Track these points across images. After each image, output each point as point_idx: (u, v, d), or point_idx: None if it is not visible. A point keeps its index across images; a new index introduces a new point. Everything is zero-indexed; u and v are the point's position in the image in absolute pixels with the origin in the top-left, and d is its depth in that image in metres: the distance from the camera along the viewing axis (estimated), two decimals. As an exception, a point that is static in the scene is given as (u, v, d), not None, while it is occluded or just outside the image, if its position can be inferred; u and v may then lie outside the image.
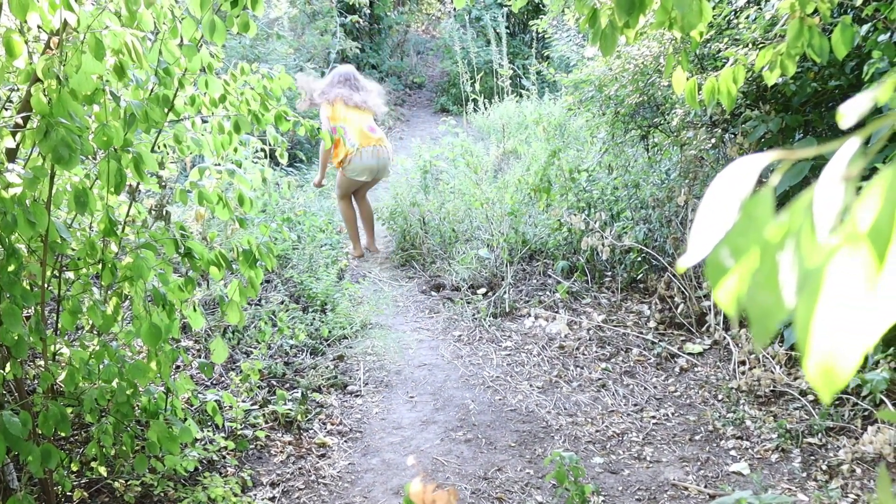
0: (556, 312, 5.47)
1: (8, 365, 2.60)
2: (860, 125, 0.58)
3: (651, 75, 5.39)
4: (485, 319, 5.43)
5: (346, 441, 3.99)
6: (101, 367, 2.82)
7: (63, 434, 2.74)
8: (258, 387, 4.32)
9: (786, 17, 2.59)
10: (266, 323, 4.60)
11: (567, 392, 4.44)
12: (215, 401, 3.53)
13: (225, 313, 3.13)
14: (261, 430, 3.93)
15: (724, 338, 4.81)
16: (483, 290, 5.95)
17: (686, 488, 3.52)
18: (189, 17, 2.76)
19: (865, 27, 3.74)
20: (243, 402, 4.10)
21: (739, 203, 0.55)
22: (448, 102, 14.48)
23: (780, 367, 4.33)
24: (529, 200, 6.62)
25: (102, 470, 3.23)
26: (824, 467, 3.59)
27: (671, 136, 5.58)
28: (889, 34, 3.63)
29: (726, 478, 3.60)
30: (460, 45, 13.69)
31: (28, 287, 2.62)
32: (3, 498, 2.84)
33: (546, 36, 11.11)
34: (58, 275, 2.87)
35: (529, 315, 5.48)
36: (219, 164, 3.28)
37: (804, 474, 3.57)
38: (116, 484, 3.30)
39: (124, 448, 3.07)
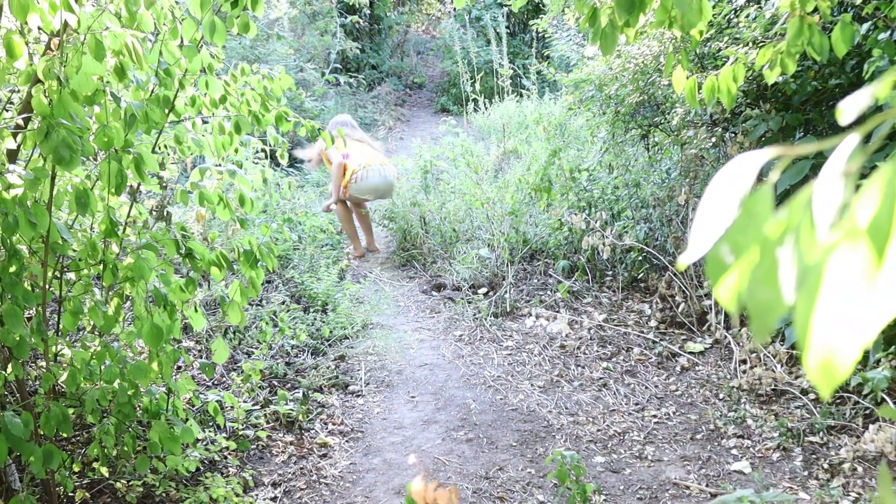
0: (557, 312, 5.47)
1: (10, 366, 2.61)
2: (860, 122, 0.58)
3: (651, 74, 5.39)
4: (486, 319, 5.43)
5: (347, 441, 3.99)
6: (102, 367, 2.83)
7: (65, 435, 2.75)
8: (259, 387, 4.32)
9: (786, 16, 2.59)
10: (267, 323, 4.60)
11: (568, 391, 4.45)
12: (217, 401, 3.54)
13: (226, 314, 3.13)
14: (262, 430, 3.94)
15: (726, 337, 4.81)
16: (484, 290, 5.95)
17: (687, 487, 3.53)
18: (189, 18, 2.76)
19: (866, 25, 3.74)
20: (245, 402, 4.10)
21: (739, 200, 0.55)
22: (448, 102, 14.47)
23: (782, 365, 4.33)
24: (530, 200, 6.61)
25: (104, 470, 3.23)
26: (826, 466, 3.59)
27: (672, 136, 5.58)
28: (889, 32, 3.63)
29: (728, 476, 3.60)
30: (460, 45, 13.69)
31: (29, 288, 2.62)
32: (6, 499, 2.84)
33: (546, 35, 11.10)
34: (59, 276, 2.87)
35: (530, 314, 5.48)
36: (219, 165, 3.28)
37: (806, 473, 3.57)
38: (118, 484, 3.30)
39: (126, 448, 3.08)
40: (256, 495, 3.48)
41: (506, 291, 5.74)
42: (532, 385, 4.53)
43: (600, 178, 6.27)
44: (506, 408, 4.28)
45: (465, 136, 8.03)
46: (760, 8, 4.37)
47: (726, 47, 4.53)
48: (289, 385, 4.50)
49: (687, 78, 2.76)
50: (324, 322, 5.28)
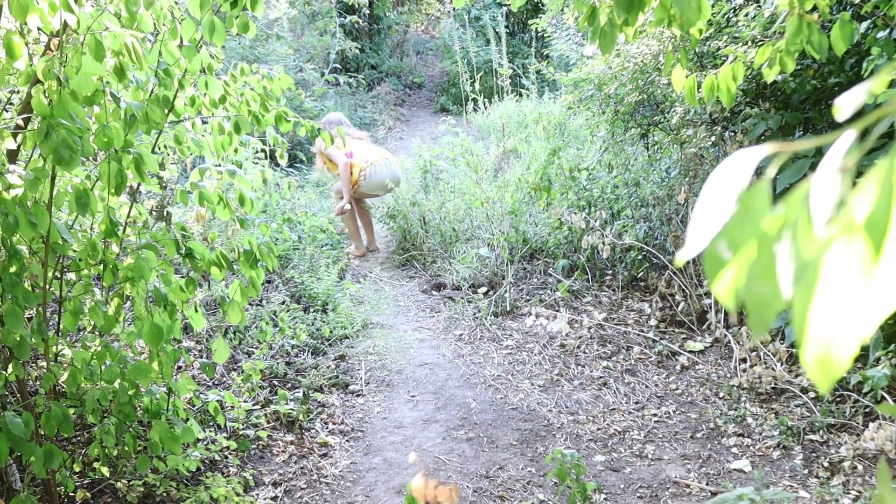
0: (557, 311, 5.47)
1: (10, 366, 2.61)
2: (859, 119, 0.58)
3: (650, 73, 5.39)
4: (486, 318, 5.44)
5: (347, 440, 3.99)
6: (102, 367, 2.83)
7: (65, 435, 2.75)
8: (260, 387, 4.33)
9: (785, 14, 2.59)
10: (267, 323, 4.61)
11: (568, 390, 4.45)
12: (217, 401, 3.54)
13: (226, 313, 3.13)
14: (263, 429, 3.94)
15: (725, 335, 4.81)
16: (484, 290, 5.95)
17: (688, 486, 3.53)
18: (189, 18, 2.77)
19: (865, 24, 3.74)
20: (245, 402, 4.10)
21: (737, 195, 0.55)
22: (448, 102, 14.48)
23: (782, 364, 4.33)
24: (530, 199, 6.62)
25: (105, 470, 3.23)
26: (826, 464, 3.59)
27: (671, 135, 5.58)
28: (888, 31, 3.64)
29: (728, 475, 3.60)
30: (460, 45, 13.69)
31: (30, 288, 2.63)
32: (7, 499, 2.84)
33: (545, 35, 11.10)
34: (59, 276, 2.87)
35: (530, 314, 5.48)
36: (219, 165, 3.28)
37: (806, 471, 3.58)
38: (119, 484, 3.31)
39: (126, 448, 3.08)
40: (257, 495, 3.48)
41: (506, 291, 5.74)
42: (532, 384, 4.53)
43: (600, 177, 6.27)
44: (506, 407, 4.29)
45: (464, 135, 8.03)
46: (759, 6, 4.37)
47: (725, 46, 4.53)
48: (289, 385, 4.50)
49: (686, 77, 2.76)
50: (324, 322, 5.28)
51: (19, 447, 2.43)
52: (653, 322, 5.21)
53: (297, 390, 4.40)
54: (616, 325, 5.23)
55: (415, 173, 7.49)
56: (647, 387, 4.47)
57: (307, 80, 11.37)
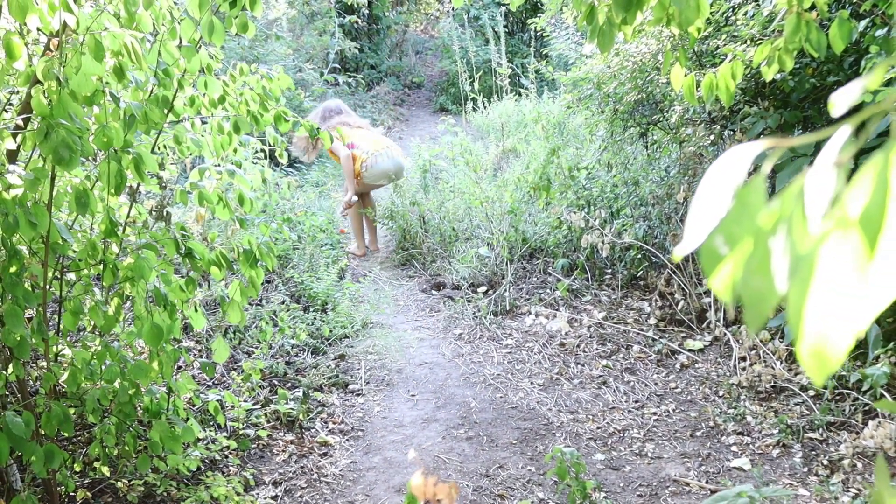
0: (557, 310, 5.48)
1: (11, 366, 2.61)
2: (855, 114, 0.59)
3: (649, 72, 5.39)
4: (485, 318, 5.44)
5: (347, 440, 4.00)
6: (103, 367, 2.83)
7: (66, 434, 2.75)
8: (260, 386, 4.33)
9: (783, 13, 2.60)
10: (267, 323, 4.61)
11: (568, 389, 4.45)
12: (217, 400, 3.54)
13: (226, 313, 3.14)
14: (263, 429, 3.94)
15: (725, 334, 4.82)
16: (483, 289, 5.95)
17: (687, 484, 3.53)
18: (188, 19, 2.77)
19: (863, 22, 3.74)
20: (245, 401, 4.11)
21: (733, 191, 0.56)
22: (447, 102, 14.48)
23: (781, 362, 4.33)
24: (529, 199, 6.62)
25: (105, 470, 3.24)
26: (825, 462, 3.59)
27: (670, 134, 5.58)
28: (887, 29, 3.64)
29: (727, 473, 3.61)
30: (459, 45, 13.69)
31: (30, 288, 2.63)
32: (7, 498, 2.85)
33: (544, 34, 11.11)
34: (59, 276, 2.88)
35: (530, 313, 5.49)
36: (219, 165, 3.29)
37: (805, 469, 3.58)
38: (119, 484, 3.31)
39: (127, 448, 3.08)
40: (257, 494, 3.49)
41: (505, 290, 5.74)
42: (532, 383, 4.53)
43: (599, 176, 6.27)
44: (506, 406, 4.29)
45: (463, 135, 8.03)
46: (758, 5, 4.38)
47: (724, 45, 4.53)
48: (289, 384, 4.51)
49: (685, 75, 2.77)
50: (324, 321, 5.28)
51: (20, 447, 2.43)
52: (652, 321, 5.22)
53: (296, 390, 4.41)
54: (615, 323, 5.24)
55: (414, 173, 7.49)
56: (646, 385, 4.48)
57: (306, 80, 11.37)
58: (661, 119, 5.73)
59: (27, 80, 2.60)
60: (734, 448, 3.81)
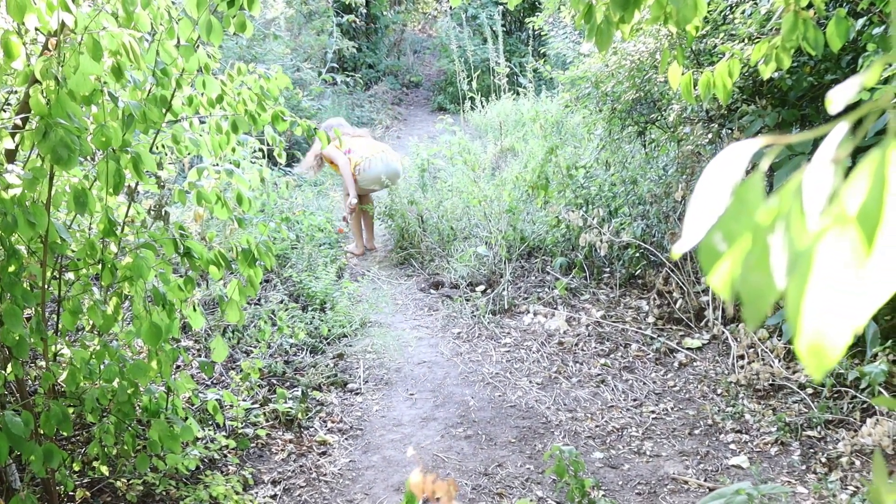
0: (555, 309, 5.48)
1: (9, 365, 2.61)
2: (852, 111, 0.59)
3: (647, 71, 5.40)
4: (484, 316, 5.44)
5: (346, 439, 4.00)
6: (101, 366, 2.83)
7: (65, 434, 2.75)
8: (258, 385, 4.33)
9: (781, 11, 2.60)
10: (266, 322, 4.61)
11: (566, 388, 4.46)
12: (216, 400, 3.54)
13: (225, 312, 3.14)
14: (261, 428, 3.94)
15: (723, 332, 4.82)
16: (482, 288, 5.96)
17: (686, 482, 3.54)
18: (186, 18, 2.77)
19: (861, 21, 3.74)
20: (244, 400, 4.11)
21: (731, 188, 0.56)
22: (445, 101, 14.48)
23: (779, 360, 4.34)
24: (527, 198, 6.63)
25: (104, 469, 3.24)
26: (823, 460, 3.60)
27: (668, 132, 5.58)
28: (884, 27, 3.64)
29: (726, 471, 3.61)
30: (457, 44, 13.68)
31: (28, 288, 2.63)
32: (6, 498, 2.85)
33: (542, 33, 11.10)
34: (58, 275, 2.88)
35: (528, 312, 5.49)
36: (217, 165, 3.29)
37: (803, 467, 3.59)
38: (118, 483, 3.31)
39: (126, 447, 3.08)
40: (256, 493, 3.49)
41: (503, 289, 5.74)
42: (530, 382, 4.54)
43: (597, 175, 6.27)
44: (504, 404, 4.29)
45: (461, 134, 8.03)
46: (756, 4, 4.38)
47: (722, 43, 4.54)
48: (288, 383, 4.51)
49: (683, 74, 2.77)
50: (322, 320, 5.28)
51: (19, 446, 2.43)
52: (650, 319, 5.22)
53: (295, 389, 4.41)
54: (614, 322, 5.24)
55: (412, 172, 7.50)
56: (645, 384, 4.48)
57: (304, 79, 11.37)
58: (659, 118, 5.73)
59: (25, 79, 2.60)
60: (732, 446, 3.81)
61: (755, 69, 4.28)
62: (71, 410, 2.91)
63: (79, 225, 3.09)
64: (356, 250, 7.07)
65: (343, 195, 7.13)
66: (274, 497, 3.49)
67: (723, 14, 4.78)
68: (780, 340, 4.41)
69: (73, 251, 2.89)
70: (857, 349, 4.05)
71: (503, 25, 13.84)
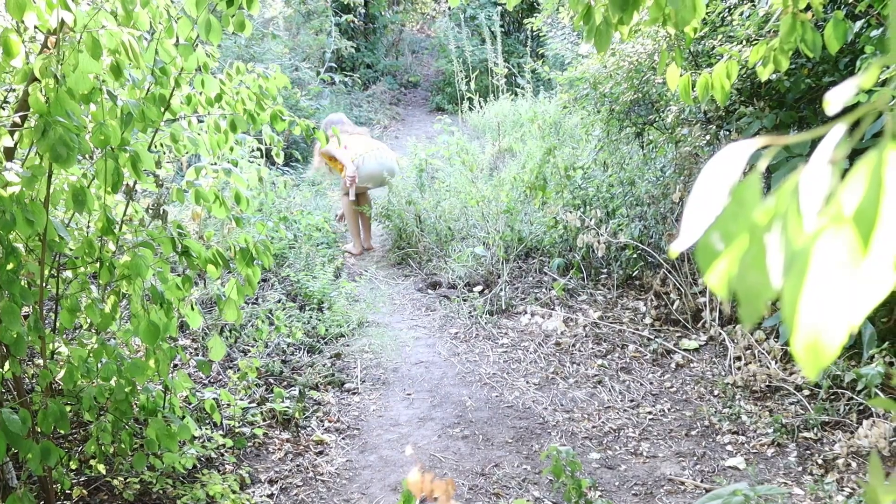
0: (553, 309, 5.48)
1: (7, 363, 2.61)
2: (849, 113, 0.60)
3: (645, 72, 5.41)
4: (481, 317, 5.45)
5: (343, 438, 4.00)
6: (99, 365, 2.83)
7: (62, 432, 2.75)
8: (256, 385, 4.33)
9: (779, 13, 2.60)
10: (263, 321, 4.61)
11: (563, 388, 4.46)
12: (213, 399, 3.54)
13: (222, 311, 3.14)
14: (259, 427, 3.94)
15: (720, 334, 4.83)
16: (479, 288, 5.96)
17: (682, 483, 3.54)
18: (185, 17, 2.77)
19: (859, 23, 3.75)
20: (241, 399, 4.11)
21: (729, 188, 0.57)
22: (443, 101, 14.49)
23: (776, 362, 4.35)
24: (525, 198, 6.63)
25: (101, 468, 3.24)
26: (820, 461, 3.61)
27: (666, 133, 5.59)
28: (882, 30, 3.65)
29: (722, 472, 3.62)
30: (455, 44, 13.69)
31: (26, 285, 2.63)
32: (3, 496, 2.85)
33: (541, 34, 11.11)
34: (56, 273, 2.87)
35: (526, 312, 5.49)
36: (215, 164, 3.29)
37: (800, 468, 3.59)
38: (115, 481, 3.31)
39: (123, 446, 3.08)
40: (253, 492, 3.49)
41: (501, 289, 5.75)
42: (527, 382, 4.54)
43: (595, 176, 6.28)
44: (501, 405, 4.30)
45: (460, 134, 8.03)
46: (754, 6, 4.39)
47: (720, 45, 4.55)
48: (285, 383, 4.51)
49: (681, 75, 2.78)
50: (320, 320, 5.29)
51: (16, 444, 2.43)
52: (648, 320, 5.23)
53: (293, 388, 4.41)
54: (611, 323, 5.25)
55: (410, 172, 7.50)
56: (641, 385, 4.48)
57: (303, 78, 11.37)
58: (657, 119, 5.74)
59: (24, 77, 2.60)
60: (729, 447, 3.82)
61: (753, 71, 4.28)
62: (68, 408, 2.90)
63: (77, 223, 3.09)
64: (354, 250, 7.08)
65: (341, 194, 7.15)
66: (271, 496, 3.49)
67: (721, 16, 4.79)
68: (776, 342, 4.42)
69: (72, 249, 2.89)
70: (854, 351, 4.06)
71: (502, 26, 13.84)
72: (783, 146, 0.58)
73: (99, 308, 2.82)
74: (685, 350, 4.82)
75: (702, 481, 3.55)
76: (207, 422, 3.86)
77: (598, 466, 3.71)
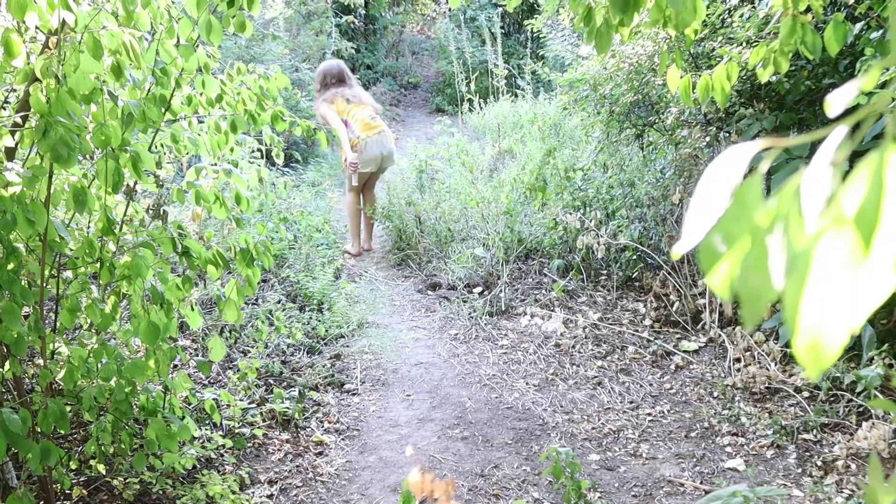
0: (552, 311, 5.48)
1: (7, 363, 2.61)
2: (850, 115, 0.60)
3: (646, 74, 5.41)
4: (481, 318, 5.45)
5: (343, 439, 4.00)
6: (99, 365, 2.83)
7: (62, 432, 2.75)
8: (256, 385, 4.33)
9: (779, 15, 2.61)
10: (263, 322, 4.61)
11: (563, 390, 4.46)
12: (213, 399, 3.55)
13: (222, 312, 3.14)
14: (258, 428, 3.95)
15: (720, 335, 4.83)
16: (479, 289, 5.96)
17: (682, 484, 3.54)
18: (186, 17, 2.77)
19: (859, 25, 3.76)
20: (241, 400, 4.11)
21: (731, 190, 0.57)
22: (443, 102, 14.49)
23: (776, 363, 4.35)
24: (525, 199, 6.63)
25: (101, 468, 3.24)
26: (819, 463, 3.61)
27: (666, 135, 5.59)
28: (882, 32, 3.66)
29: (722, 474, 3.62)
30: (455, 45, 13.69)
31: (27, 285, 2.63)
32: (3, 496, 2.85)
33: (541, 36, 11.12)
34: (56, 273, 2.88)
35: (525, 313, 5.49)
36: (215, 164, 3.29)
37: (799, 470, 3.59)
38: (115, 482, 3.31)
39: (123, 446, 3.08)
40: (253, 493, 3.49)
41: (501, 290, 5.75)
42: (527, 383, 4.54)
43: (595, 177, 6.28)
44: (501, 406, 4.30)
45: (460, 135, 8.04)
46: (754, 7, 4.39)
47: (720, 47, 4.55)
48: (285, 383, 4.51)
49: (681, 77, 2.78)
50: (319, 321, 5.29)
51: (16, 444, 2.43)
52: (647, 322, 5.23)
53: (292, 389, 4.41)
54: (611, 324, 5.25)
55: (410, 173, 7.50)
56: (641, 386, 4.49)
57: (303, 79, 11.38)
58: (656, 121, 5.75)
59: (25, 77, 2.60)
60: (728, 449, 3.82)
61: (753, 73, 4.29)
62: (68, 408, 2.90)
63: (77, 223, 3.09)
64: (353, 250, 7.06)
65: (342, 190, 7.04)
66: (270, 497, 3.49)
67: (721, 17, 4.80)
68: (776, 344, 4.42)
69: (72, 249, 2.90)
70: (854, 353, 4.06)
71: (502, 27, 13.86)
72: (784, 148, 0.58)
73: (99, 308, 2.82)
74: (685, 352, 4.83)
75: (701, 483, 3.55)
76: (207, 422, 3.86)
77: (598, 468, 3.71)
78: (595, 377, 4.60)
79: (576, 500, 3.04)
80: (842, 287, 0.50)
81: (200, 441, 3.70)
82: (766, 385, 4.23)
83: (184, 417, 3.25)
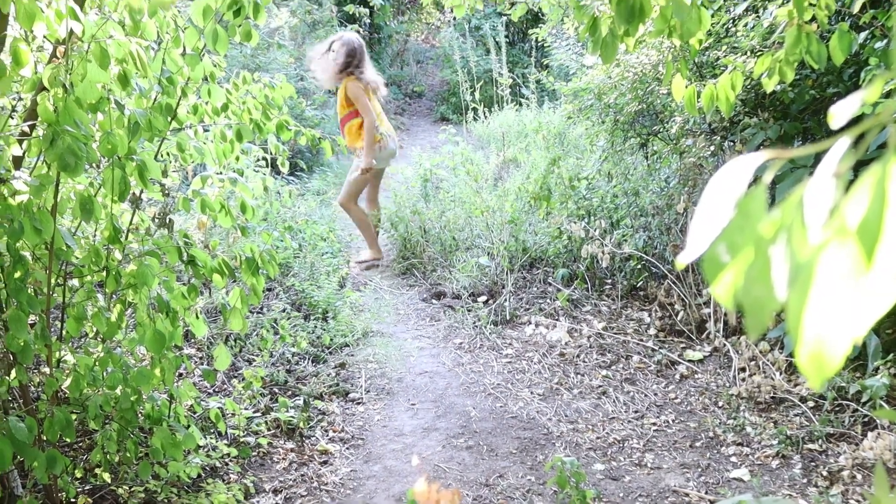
0: (557, 320, 5.48)
1: (14, 371, 2.62)
2: (854, 126, 0.60)
3: (650, 83, 5.42)
4: (485, 327, 5.45)
5: (347, 448, 4.00)
6: (105, 373, 2.84)
7: (68, 440, 2.76)
8: (260, 394, 4.34)
9: (784, 25, 2.61)
10: (268, 331, 4.62)
11: (568, 399, 4.46)
12: (218, 408, 3.55)
13: (227, 320, 3.15)
14: (263, 437, 3.95)
15: (725, 345, 4.82)
16: (484, 298, 5.96)
17: (687, 494, 3.54)
18: (192, 27, 2.79)
19: (863, 34, 3.76)
20: (246, 409, 4.11)
21: (735, 201, 0.57)
22: (448, 111, 14.50)
23: (781, 373, 4.34)
24: (529, 208, 6.64)
25: (106, 476, 3.24)
26: (825, 473, 3.60)
27: (670, 144, 5.60)
28: (886, 41, 3.66)
29: (727, 484, 3.61)
30: (460, 55, 13.72)
31: (33, 294, 2.64)
32: (8, 504, 2.85)
33: (545, 45, 11.14)
34: (62, 282, 2.89)
35: (530, 323, 5.49)
36: (221, 173, 3.30)
37: (805, 480, 3.58)
38: (120, 490, 3.31)
39: (128, 454, 3.09)
40: (257, 502, 3.49)
41: (505, 300, 5.75)
42: (532, 393, 4.54)
43: (599, 186, 6.29)
44: (505, 415, 4.30)
45: (464, 144, 8.05)
46: (758, 17, 4.40)
47: (725, 56, 4.56)
48: (290, 392, 4.51)
49: (686, 86, 2.79)
50: (324, 330, 5.29)
51: (22, 452, 2.44)
52: (652, 331, 5.23)
53: (297, 398, 4.41)
54: (615, 334, 5.24)
55: (415, 182, 7.50)
56: (646, 396, 4.48)
57: (308, 88, 11.40)
58: (661, 130, 5.75)
59: (33, 86, 2.62)
60: (734, 459, 3.81)
61: (758, 82, 4.29)
62: (74, 417, 2.91)
63: (83, 232, 3.11)
64: (371, 255, 6.87)
65: (355, 168, 6.69)
66: (275, 505, 3.49)
67: (725, 27, 4.80)
68: (781, 353, 4.42)
69: (78, 258, 2.91)
70: (859, 363, 4.05)
71: (506, 36, 13.88)
72: (788, 158, 0.59)
73: (105, 317, 2.83)
74: (689, 361, 4.82)
75: (706, 493, 3.54)
76: (212, 431, 3.86)
77: (603, 478, 3.70)
78: (600, 386, 4.59)
79: (580, 510, 3.04)
80: (844, 298, 0.50)
81: (205, 450, 3.70)
82: (771, 395, 4.23)
83: (189, 426, 3.26)
